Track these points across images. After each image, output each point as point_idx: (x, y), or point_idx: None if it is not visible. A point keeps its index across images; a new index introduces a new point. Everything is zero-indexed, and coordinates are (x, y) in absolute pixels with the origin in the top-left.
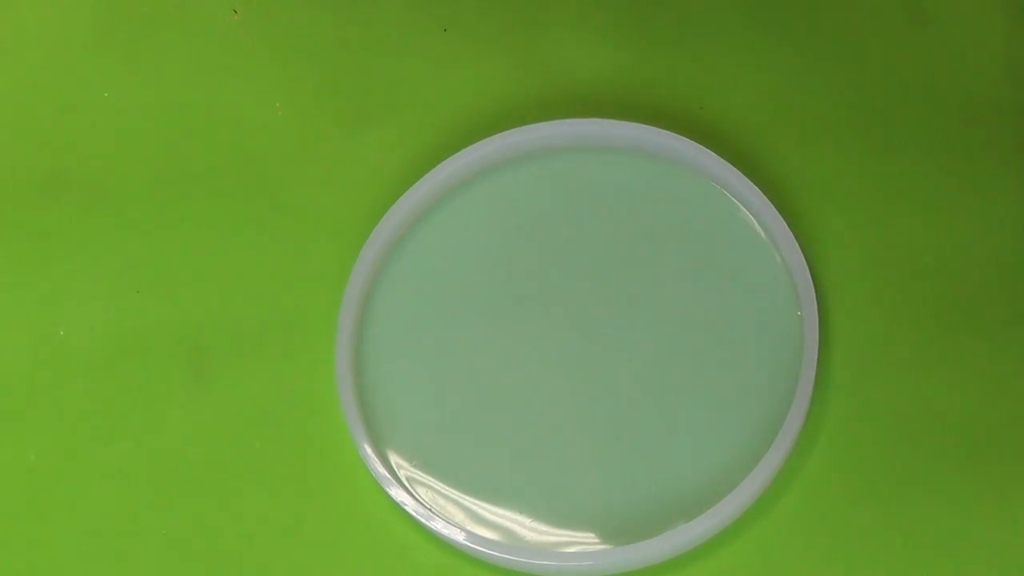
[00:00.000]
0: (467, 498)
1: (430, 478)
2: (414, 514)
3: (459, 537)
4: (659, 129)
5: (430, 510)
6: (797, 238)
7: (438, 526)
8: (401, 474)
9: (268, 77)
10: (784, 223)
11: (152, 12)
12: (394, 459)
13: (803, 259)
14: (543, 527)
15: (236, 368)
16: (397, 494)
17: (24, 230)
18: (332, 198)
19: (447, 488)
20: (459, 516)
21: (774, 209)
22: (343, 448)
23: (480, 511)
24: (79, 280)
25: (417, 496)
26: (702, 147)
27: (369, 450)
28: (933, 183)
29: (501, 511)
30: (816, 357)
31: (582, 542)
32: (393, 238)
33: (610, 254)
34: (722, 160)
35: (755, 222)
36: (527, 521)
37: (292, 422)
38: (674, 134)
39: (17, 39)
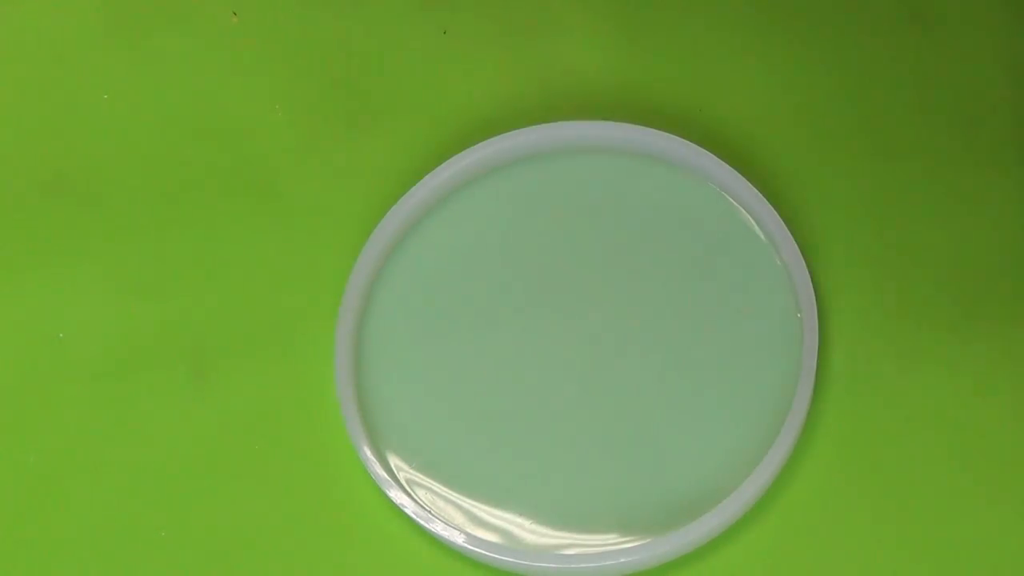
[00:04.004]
0: (467, 500)
1: (430, 480)
2: (414, 516)
3: (459, 539)
4: (659, 131)
5: (430, 512)
6: (797, 239)
7: (438, 528)
8: (400, 476)
9: (268, 79)
10: (784, 224)
11: (152, 14)
12: (393, 461)
13: (803, 260)
14: (543, 529)
15: (235, 369)
16: (396, 496)
17: (23, 232)
18: (332, 199)
19: (447, 490)
20: (459, 518)
21: (774, 211)
22: (342, 450)
23: (480, 513)
24: (78, 282)
25: (417, 498)
26: (702, 149)
27: (368, 452)
28: (933, 184)
29: (501, 513)
30: (816, 357)
31: (582, 544)
32: (393, 239)
33: (610, 256)
34: (722, 162)
35: (755, 223)
36: (527, 523)
37: (291, 424)
38: (674, 136)
39: (17, 40)
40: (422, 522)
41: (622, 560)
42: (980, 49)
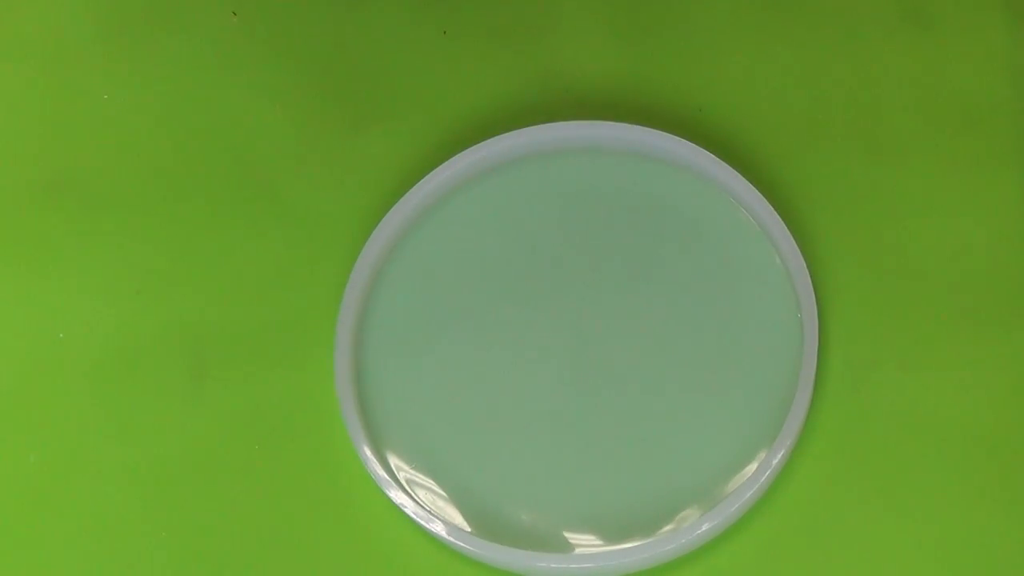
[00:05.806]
0: (467, 500)
1: (430, 480)
2: (414, 516)
3: (459, 539)
4: (659, 131)
5: (430, 512)
6: (797, 239)
7: (438, 528)
8: (401, 476)
9: (268, 79)
10: (784, 225)
11: (152, 14)
12: (394, 461)
13: (803, 260)
14: (543, 528)
15: (236, 370)
16: (397, 496)
17: (24, 232)
18: (332, 199)
19: (447, 490)
20: (459, 518)
21: (774, 211)
22: (343, 450)
23: (480, 513)
24: (79, 283)
25: (417, 498)
26: (702, 149)
27: (369, 452)
28: (933, 184)
29: (501, 513)
30: (816, 357)
31: (582, 543)
32: (393, 239)
33: (610, 256)
34: (722, 162)
35: (755, 224)
36: (527, 523)
37: (291, 424)
38: (674, 136)
39: (17, 40)
40: (422, 522)
41: (622, 560)
42: (980, 49)
